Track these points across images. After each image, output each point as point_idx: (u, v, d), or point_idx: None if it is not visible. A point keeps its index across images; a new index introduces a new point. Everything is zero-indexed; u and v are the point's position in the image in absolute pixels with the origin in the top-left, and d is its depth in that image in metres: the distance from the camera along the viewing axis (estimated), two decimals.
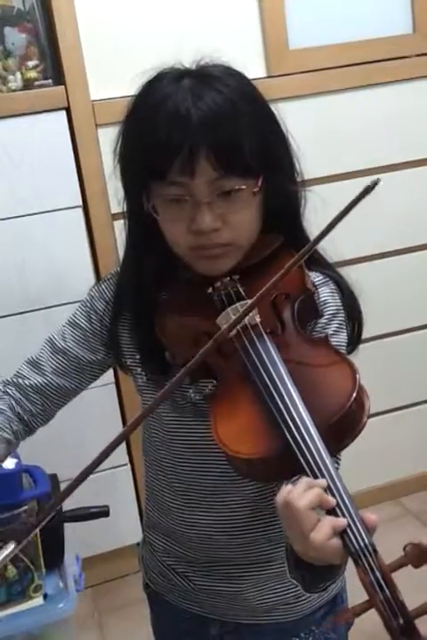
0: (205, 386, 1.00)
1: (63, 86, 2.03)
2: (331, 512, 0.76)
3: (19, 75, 2.03)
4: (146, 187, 0.99)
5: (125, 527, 2.26)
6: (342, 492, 0.77)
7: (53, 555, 1.48)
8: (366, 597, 0.73)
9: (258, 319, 0.94)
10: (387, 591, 0.71)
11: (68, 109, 2.04)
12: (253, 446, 0.84)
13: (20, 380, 1.12)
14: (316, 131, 2.18)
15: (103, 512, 1.50)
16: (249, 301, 0.96)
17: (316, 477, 0.78)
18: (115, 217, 2.07)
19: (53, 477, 1.64)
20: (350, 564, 0.76)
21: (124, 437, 0.82)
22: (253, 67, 2.05)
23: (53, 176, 2.04)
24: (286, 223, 1.05)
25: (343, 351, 1.01)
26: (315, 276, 1.04)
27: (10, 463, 1.26)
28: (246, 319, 0.92)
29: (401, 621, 0.70)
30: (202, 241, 0.97)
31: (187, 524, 1.10)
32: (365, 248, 2.35)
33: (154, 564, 1.19)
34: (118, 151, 1.02)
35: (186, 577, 1.13)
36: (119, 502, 2.18)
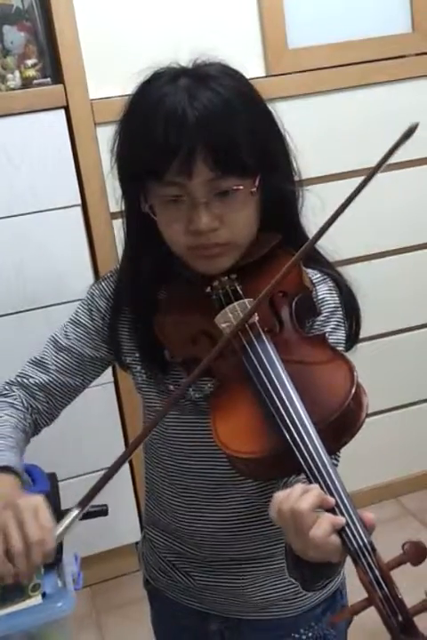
0: (205, 384, 1.00)
1: (62, 85, 2.03)
2: (330, 511, 0.76)
3: (17, 73, 2.03)
4: (143, 187, 0.99)
5: (124, 526, 2.26)
6: (340, 490, 0.77)
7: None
8: (365, 595, 0.73)
9: (256, 318, 0.94)
10: (386, 589, 0.71)
11: (66, 108, 2.04)
12: (252, 445, 0.85)
13: (25, 380, 1.12)
14: (315, 130, 2.18)
15: (102, 511, 1.49)
16: (246, 301, 0.97)
17: (314, 476, 0.78)
18: (114, 215, 2.07)
19: (52, 476, 1.64)
20: (350, 561, 0.76)
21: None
22: (251, 66, 2.06)
23: (52, 175, 2.04)
24: (285, 221, 1.05)
25: (342, 349, 1.01)
26: (313, 274, 1.04)
27: None
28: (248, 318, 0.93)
29: (400, 619, 0.70)
30: (200, 241, 0.98)
31: (187, 520, 1.10)
32: (364, 247, 2.35)
33: (154, 560, 1.20)
34: (115, 151, 1.02)
35: (186, 573, 1.14)
36: (118, 501, 2.18)
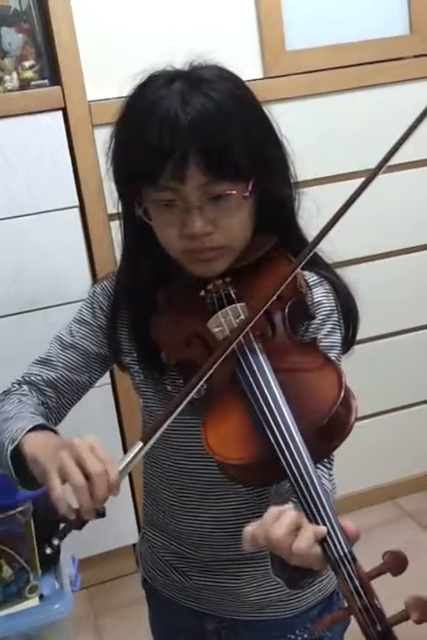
0: (202, 385, 1.00)
1: (59, 86, 2.03)
2: (311, 520, 0.76)
3: (15, 75, 2.03)
4: (137, 191, 0.99)
5: (122, 528, 2.26)
6: (322, 499, 0.77)
7: (49, 555, 1.48)
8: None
9: None
10: (365, 599, 0.72)
11: (64, 110, 2.04)
12: (240, 452, 0.85)
13: (33, 378, 1.11)
14: (313, 132, 2.18)
15: (99, 513, 1.49)
16: (238, 305, 0.97)
17: (297, 483, 0.78)
18: (111, 217, 2.07)
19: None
20: None
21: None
22: (249, 68, 2.06)
23: (50, 176, 2.04)
24: (281, 224, 1.05)
25: (337, 352, 1.01)
26: (310, 277, 1.04)
27: None
28: (236, 322, 0.93)
29: (379, 628, 0.71)
30: (194, 245, 0.98)
31: (184, 520, 1.10)
32: (363, 248, 2.35)
33: (152, 559, 1.20)
34: (110, 154, 1.03)
35: (183, 573, 1.14)
36: (115, 503, 2.16)
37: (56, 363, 1.12)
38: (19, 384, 1.12)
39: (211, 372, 0.87)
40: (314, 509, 0.77)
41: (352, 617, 0.73)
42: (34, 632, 1.46)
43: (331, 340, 1.01)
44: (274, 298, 0.89)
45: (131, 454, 0.84)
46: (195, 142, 0.91)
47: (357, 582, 0.72)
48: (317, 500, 0.77)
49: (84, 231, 2.12)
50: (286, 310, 0.97)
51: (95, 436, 0.87)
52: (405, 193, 2.34)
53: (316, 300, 1.02)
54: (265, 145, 1.00)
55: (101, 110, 2.02)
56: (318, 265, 1.06)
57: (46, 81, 2.05)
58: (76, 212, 2.09)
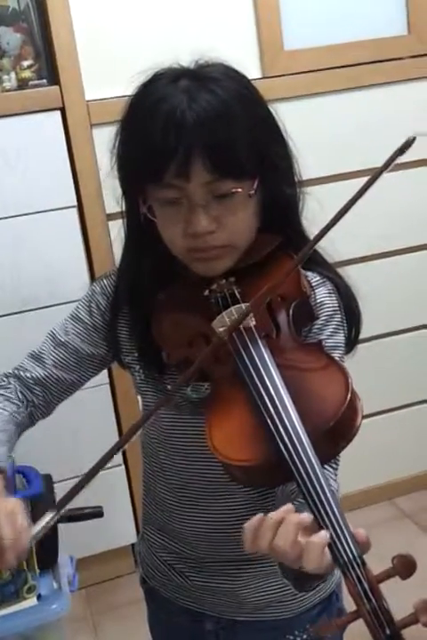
0: (202, 385, 1.00)
1: (58, 86, 2.03)
2: (319, 522, 0.76)
3: (13, 74, 2.03)
4: (142, 188, 0.99)
5: (119, 528, 2.26)
6: (331, 502, 0.77)
7: (47, 555, 1.48)
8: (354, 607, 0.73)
9: (253, 322, 0.94)
10: (374, 602, 0.71)
11: (62, 109, 2.04)
12: (246, 453, 0.84)
13: (22, 373, 1.12)
14: (310, 131, 2.18)
15: (97, 513, 1.50)
16: (244, 305, 0.96)
17: (305, 486, 0.78)
18: (109, 217, 2.07)
19: (47, 478, 1.63)
20: None
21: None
22: (248, 67, 2.05)
23: (48, 176, 2.04)
24: (285, 224, 1.05)
25: (341, 352, 1.01)
26: (312, 277, 1.04)
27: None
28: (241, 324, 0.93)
29: (388, 632, 0.70)
30: (198, 243, 0.97)
31: (183, 521, 1.10)
32: (362, 248, 2.35)
33: (151, 559, 1.20)
34: (115, 151, 1.02)
35: (182, 573, 1.14)
36: (113, 503, 2.18)
37: (46, 360, 1.12)
38: (7, 377, 1.12)
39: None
40: (322, 511, 0.76)
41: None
42: (32, 632, 1.46)
43: (334, 341, 1.01)
44: (272, 290, 0.88)
45: (41, 523, 0.81)
46: (200, 140, 0.91)
47: (366, 585, 0.72)
48: (325, 502, 0.76)
49: (82, 231, 2.12)
50: (291, 311, 0.96)
51: (16, 505, 0.86)
52: (399, 194, 2.35)
53: (319, 301, 1.02)
54: (270, 144, 0.99)
55: (100, 110, 2.02)
56: (320, 265, 1.06)
57: (45, 81, 2.05)
58: (75, 211, 2.09)
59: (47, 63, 2.06)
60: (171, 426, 1.07)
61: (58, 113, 2.03)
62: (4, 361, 1.19)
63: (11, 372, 1.13)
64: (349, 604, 0.76)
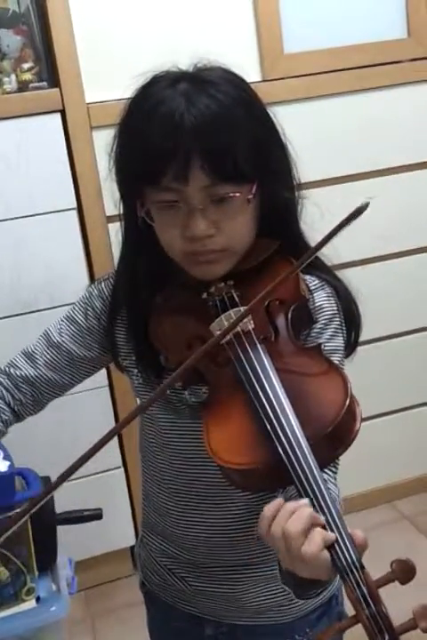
0: (200, 388, 1.00)
1: (58, 89, 2.03)
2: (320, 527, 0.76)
3: (13, 77, 2.03)
4: (140, 191, 0.99)
5: (119, 530, 2.25)
6: (330, 506, 0.77)
7: (46, 557, 1.48)
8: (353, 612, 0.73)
9: (251, 326, 0.94)
10: (373, 607, 0.71)
11: (62, 112, 2.04)
12: (244, 457, 0.84)
13: (13, 370, 1.13)
14: (310, 135, 2.18)
15: (96, 515, 1.49)
16: (242, 308, 0.96)
17: (305, 490, 0.78)
18: (109, 219, 2.07)
19: (46, 480, 1.63)
20: None
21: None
22: (248, 71, 2.05)
23: (48, 178, 2.04)
24: (284, 228, 1.04)
25: (340, 356, 1.01)
26: (311, 280, 1.04)
27: (2, 466, 1.25)
28: (240, 326, 0.92)
29: (387, 637, 0.70)
30: (196, 247, 0.97)
31: (182, 525, 1.10)
32: (361, 251, 2.35)
33: (150, 563, 1.19)
34: (113, 154, 1.02)
35: (181, 578, 1.14)
36: (113, 505, 2.18)
37: (38, 360, 1.12)
38: None
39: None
40: (321, 516, 0.76)
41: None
42: (30, 634, 1.45)
43: (333, 344, 1.01)
44: (270, 292, 0.88)
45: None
46: (199, 143, 0.91)
47: (365, 590, 0.72)
48: (324, 506, 0.76)
49: (82, 233, 2.12)
50: (289, 315, 0.96)
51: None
52: (398, 197, 2.35)
53: (317, 304, 1.02)
54: (269, 148, 0.99)
55: (100, 112, 2.02)
56: (318, 268, 1.05)
57: (45, 83, 2.05)
58: (74, 214, 2.09)
59: (47, 65, 2.06)
60: (169, 430, 1.07)
61: (58, 115, 2.03)
62: (3, 362, 1.19)
63: (1, 368, 1.13)
64: (350, 608, 0.76)
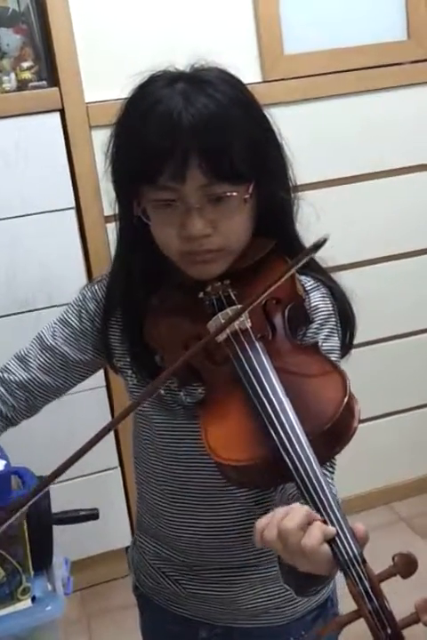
0: (196, 388, 1.00)
1: (57, 88, 2.03)
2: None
3: (13, 75, 2.03)
4: (136, 191, 0.99)
5: (115, 531, 2.25)
6: (330, 500, 0.76)
7: (42, 557, 1.47)
8: (354, 606, 0.73)
9: (249, 324, 0.94)
10: (375, 601, 0.70)
11: (62, 111, 2.03)
12: (242, 453, 0.84)
13: (6, 375, 1.12)
14: (310, 136, 2.18)
15: (92, 515, 1.49)
16: (239, 307, 0.96)
17: (305, 485, 0.78)
18: (108, 219, 2.07)
19: (42, 479, 1.63)
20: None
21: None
22: (248, 71, 2.04)
23: (46, 177, 2.04)
24: (280, 228, 1.05)
25: (336, 356, 1.01)
26: (306, 281, 1.04)
27: None
28: (237, 324, 0.92)
29: (389, 632, 0.69)
30: (192, 246, 0.97)
31: (176, 527, 1.09)
32: (359, 253, 2.35)
33: (143, 566, 1.19)
34: (110, 153, 1.02)
35: (175, 581, 1.13)
36: (109, 505, 2.18)
37: (32, 364, 1.12)
38: None
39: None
40: (322, 510, 0.76)
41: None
42: (26, 634, 1.45)
43: (329, 345, 1.01)
44: (269, 291, 0.87)
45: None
46: (197, 143, 0.91)
47: (367, 584, 0.71)
48: (324, 500, 0.76)
49: (80, 233, 2.12)
50: (286, 314, 0.96)
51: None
52: (398, 199, 2.35)
53: (313, 305, 1.02)
54: (266, 148, 1.00)
55: (99, 112, 2.02)
56: (314, 269, 1.06)
57: (44, 82, 2.05)
58: (73, 213, 2.09)
59: (47, 65, 2.06)
60: (164, 431, 1.07)
61: (57, 114, 2.03)
62: (1, 362, 1.19)
63: None
64: (345, 609, 0.75)
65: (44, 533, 1.41)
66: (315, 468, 0.78)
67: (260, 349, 0.91)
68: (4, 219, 2.04)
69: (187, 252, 0.98)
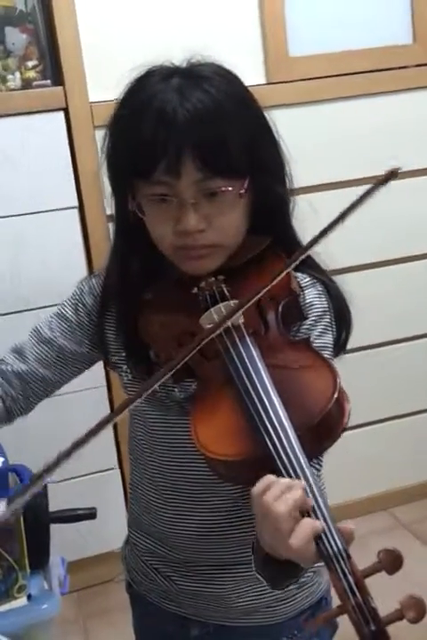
0: (190, 385, 0.99)
1: (62, 87, 2.04)
2: (307, 515, 0.75)
3: (18, 74, 2.03)
4: (131, 185, 0.99)
5: (113, 531, 2.24)
6: (317, 495, 0.76)
7: (38, 555, 1.47)
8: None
9: (241, 320, 0.94)
10: (359, 597, 0.70)
11: (66, 110, 2.04)
12: (231, 448, 0.84)
13: (3, 366, 1.12)
14: (314, 138, 2.18)
15: (90, 514, 1.49)
16: (232, 302, 0.96)
17: (291, 478, 0.77)
18: (110, 218, 2.06)
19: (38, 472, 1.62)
20: None
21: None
22: (252, 73, 2.06)
23: (50, 176, 2.04)
24: (275, 224, 1.04)
25: (328, 353, 1.01)
26: (302, 278, 1.04)
27: None
28: (230, 320, 0.92)
29: (373, 628, 0.68)
30: (187, 241, 0.97)
31: (170, 523, 1.09)
32: (361, 257, 2.35)
33: (136, 563, 1.19)
34: (105, 148, 1.02)
35: (168, 578, 1.13)
36: (107, 505, 2.17)
37: (29, 356, 1.12)
38: None
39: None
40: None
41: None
42: (21, 632, 1.44)
43: (322, 342, 1.00)
44: (264, 291, 0.87)
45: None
46: (191, 138, 0.91)
47: (351, 579, 0.70)
48: (309, 494, 0.76)
49: (82, 232, 2.12)
50: (280, 310, 0.96)
51: None
52: (402, 203, 2.34)
53: (308, 301, 1.02)
54: (261, 143, 0.99)
55: (103, 112, 1.99)
56: (310, 267, 1.05)
57: (49, 81, 2.05)
58: (76, 212, 2.09)
59: (52, 64, 2.06)
60: (158, 427, 1.07)
61: (61, 113, 2.04)
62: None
63: None
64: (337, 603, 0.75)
65: (41, 531, 1.41)
66: (302, 463, 0.78)
67: (251, 345, 0.91)
68: (7, 217, 2.04)
69: (181, 247, 0.98)
